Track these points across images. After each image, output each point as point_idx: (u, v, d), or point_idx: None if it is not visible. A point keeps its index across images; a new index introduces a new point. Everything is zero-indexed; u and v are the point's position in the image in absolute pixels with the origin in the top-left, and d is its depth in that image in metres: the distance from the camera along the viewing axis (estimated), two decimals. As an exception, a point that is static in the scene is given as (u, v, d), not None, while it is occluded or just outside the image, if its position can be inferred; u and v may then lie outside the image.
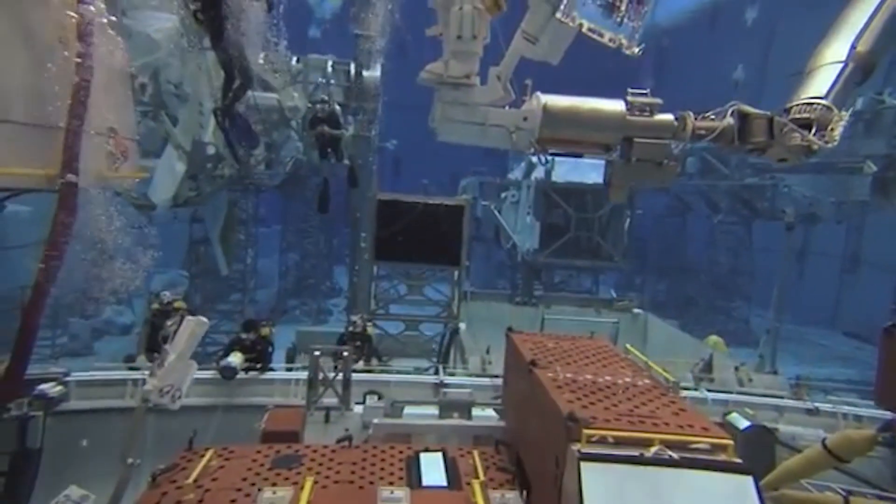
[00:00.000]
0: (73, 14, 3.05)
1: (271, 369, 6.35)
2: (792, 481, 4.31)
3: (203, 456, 3.79)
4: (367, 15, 11.53)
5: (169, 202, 10.49)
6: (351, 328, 7.54)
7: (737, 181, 24.01)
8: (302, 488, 3.31)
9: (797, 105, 3.32)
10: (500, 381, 5.80)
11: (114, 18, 4.06)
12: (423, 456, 3.95)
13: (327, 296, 28.41)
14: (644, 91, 3.01)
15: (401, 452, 4.13)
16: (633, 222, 17.28)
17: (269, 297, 27.19)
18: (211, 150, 10.56)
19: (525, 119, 2.87)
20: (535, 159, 13.08)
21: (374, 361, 7.87)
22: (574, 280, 19.58)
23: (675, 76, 37.34)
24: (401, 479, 3.57)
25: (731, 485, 2.53)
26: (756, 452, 5.59)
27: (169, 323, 3.53)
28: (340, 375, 5.58)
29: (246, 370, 6.02)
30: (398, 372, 9.02)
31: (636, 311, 12.93)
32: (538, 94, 2.88)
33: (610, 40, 2.50)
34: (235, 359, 5.88)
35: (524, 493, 3.42)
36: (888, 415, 4.88)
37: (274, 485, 3.38)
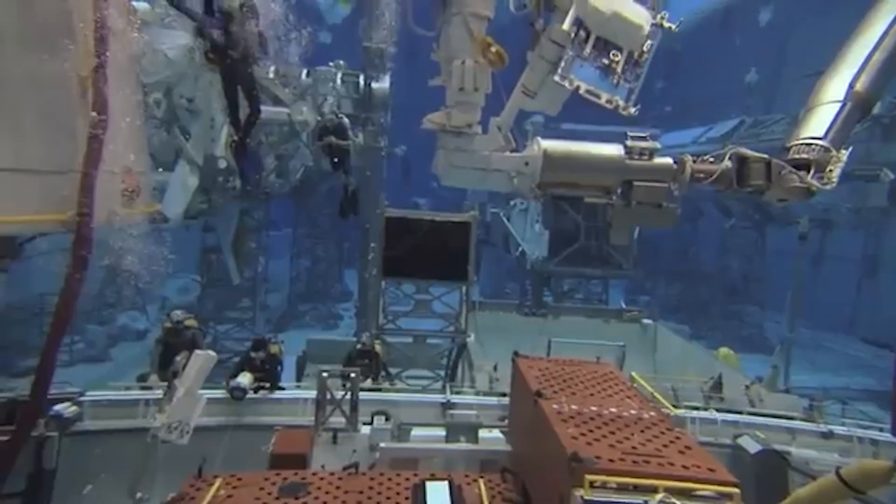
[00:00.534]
0: (93, 61, 3.12)
1: (281, 388, 6.41)
2: (804, 512, 4.24)
3: (212, 485, 3.86)
4: (376, 27, 11.61)
5: (181, 216, 10.66)
6: (359, 346, 7.59)
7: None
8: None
9: (796, 145, 3.32)
10: (506, 401, 5.81)
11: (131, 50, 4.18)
12: (429, 485, 3.97)
13: (338, 300, 28.56)
14: (643, 135, 3.04)
15: (407, 480, 4.16)
16: (643, 230, 17.13)
17: (280, 302, 27.41)
18: (223, 164, 10.70)
19: (526, 164, 2.92)
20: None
21: (383, 375, 7.93)
22: (584, 287, 19.47)
23: (687, 79, 37.03)
24: (407, 508, 3.59)
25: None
26: (767, 478, 5.51)
27: (178, 358, 3.58)
28: (348, 395, 5.64)
29: (256, 390, 6.09)
30: (406, 387, 9.08)
31: (646, 321, 12.83)
32: (538, 139, 2.93)
33: (607, 101, 2.52)
34: (245, 379, 5.96)
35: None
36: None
37: (281, 514, 3.42)
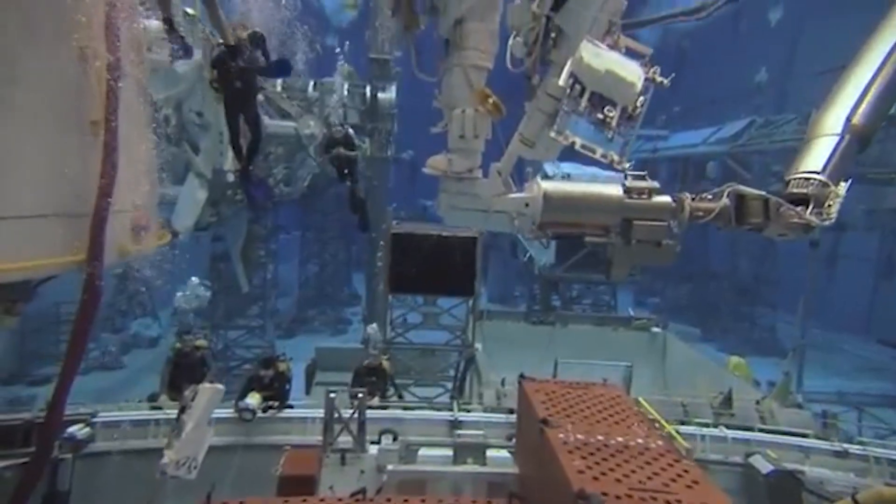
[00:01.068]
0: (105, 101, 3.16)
1: (289, 406, 6.46)
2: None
3: (220, 513, 3.90)
4: (383, 39, 11.66)
5: (191, 229, 10.78)
6: (367, 362, 7.62)
7: (760, 188, 23.35)
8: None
9: (795, 178, 3.33)
10: (514, 417, 5.80)
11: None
12: (435, 513, 3.98)
13: (346, 304, 28.70)
14: (642, 174, 3.05)
15: (414, 507, 4.17)
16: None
17: (289, 307, 27.63)
18: (231, 178, 10.81)
19: (527, 205, 2.97)
20: (550, 171, 13.01)
21: (391, 391, 7.95)
22: (592, 292, 19.39)
23: (697, 78, 36.64)
24: (413, 536, 3.59)
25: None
26: (781, 500, 5.45)
27: (187, 392, 3.62)
28: (356, 414, 5.67)
29: (264, 409, 6.13)
30: (414, 402, 9.09)
31: (655, 329, 12.73)
32: (538, 180, 2.97)
33: (602, 156, 2.54)
34: (253, 400, 6.00)
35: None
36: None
37: (287, 546, 3.44)
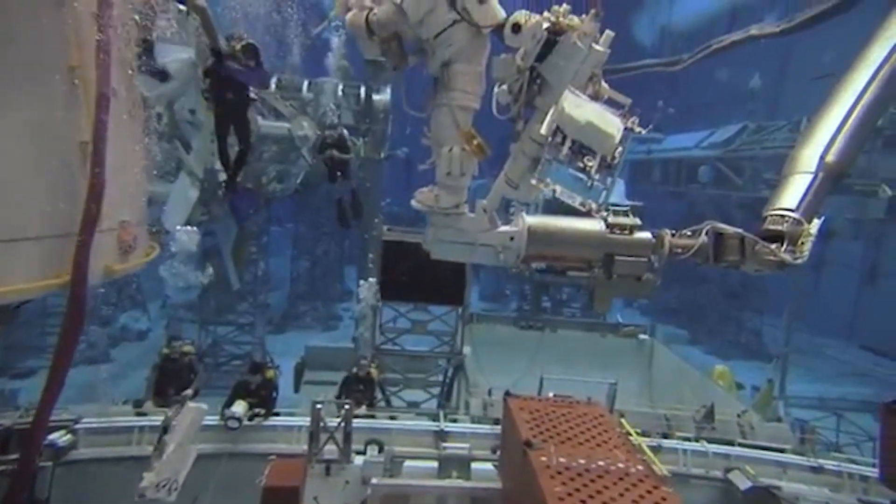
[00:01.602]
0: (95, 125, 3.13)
1: (276, 414, 6.47)
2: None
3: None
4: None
5: (181, 225, 10.68)
6: (355, 370, 7.64)
7: (751, 193, 23.63)
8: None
9: (771, 215, 3.46)
10: (499, 428, 5.87)
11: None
12: (417, 530, 4.03)
13: (338, 300, 28.63)
14: (625, 209, 3.14)
15: (397, 522, 4.21)
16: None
17: (280, 301, 27.54)
18: (223, 177, 10.72)
19: (511, 239, 3.04)
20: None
21: (379, 396, 8.00)
22: (582, 295, 19.53)
23: (691, 81, 36.81)
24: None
25: None
26: (756, 516, 5.58)
27: (170, 413, 3.62)
28: (343, 424, 5.69)
29: (251, 417, 6.14)
30: (401, 407, 9.15)
31: (642, 336, 12.88)
32: (524, 214, 3.05)
33: (580, 204, 2.63)
34: (240, 408, 6.01)
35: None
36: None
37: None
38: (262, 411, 6.30)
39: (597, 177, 2.53)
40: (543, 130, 2.53)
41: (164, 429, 3.62)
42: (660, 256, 3.15)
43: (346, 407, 5.72)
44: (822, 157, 3.48)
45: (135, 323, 22.71)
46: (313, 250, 27.63)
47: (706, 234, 3.22)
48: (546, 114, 2.57)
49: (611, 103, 2.69)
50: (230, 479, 5.67)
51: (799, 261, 3.23)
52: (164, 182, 10.83)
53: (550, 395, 6.59)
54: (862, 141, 3.57)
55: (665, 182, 30.58)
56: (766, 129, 24.28)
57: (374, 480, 5.11)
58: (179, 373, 6.95)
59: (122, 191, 3.63)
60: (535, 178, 2.63)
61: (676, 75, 36.79)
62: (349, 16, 2.89)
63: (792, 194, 3.52)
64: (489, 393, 7.66)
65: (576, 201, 2.59)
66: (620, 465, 3.91)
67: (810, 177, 3.49)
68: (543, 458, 3.87)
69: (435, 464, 5.56)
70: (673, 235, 3.22)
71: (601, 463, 3.91)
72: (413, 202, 3.10)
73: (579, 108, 2.51)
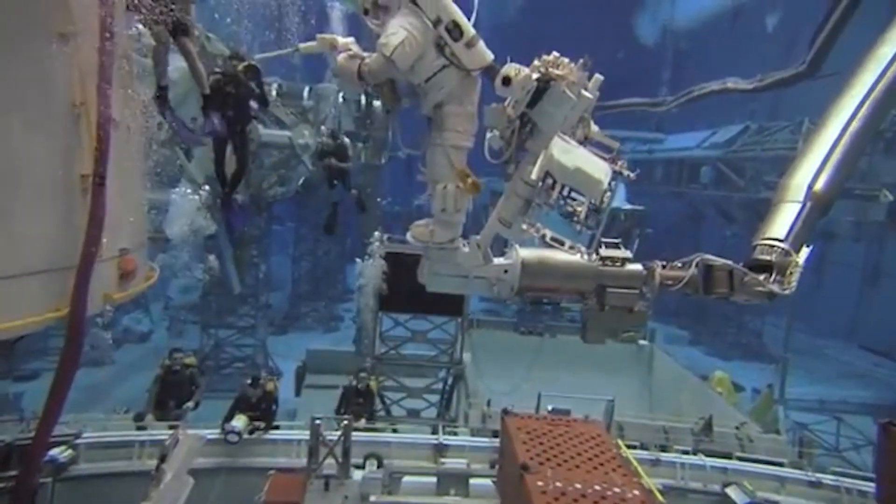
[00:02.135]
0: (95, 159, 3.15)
1: (276, 427, 6.50)
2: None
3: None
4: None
5: (183, 234, 10.71)
6: (354, 382, 7.67)
7: (752, 194, 23.57)
8: None
9: (761, 245, 3.52)
10: (498, 441, 5.90)
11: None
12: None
13: (339, 300, 28.66)
14: (616, 242, 3.18)
15: (395, 542, 4.24)
16: (643, 238, 17.22)
17: (281, 302, 27.60)
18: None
19: (505, 272, 3.09)
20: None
21: (379, 406, 8.03)
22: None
23: (693, 79, 36.68)
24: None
25: None
26: (754, 532, 5.61)
27: (167, 441, 3.65)
28: (342, 439, 5.72)
29: (251, 431, 6.17)
30: (400, 418, 9.17)
31: (642, 342, 12.89)
32: (517, 247, 3.10)
33: (570, 248, 2.67)
34: (239, 423, 6.04)
35: None
36: None
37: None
38: (262, 425, 6.33)
39: (586, 222, 2.57)
40: (534, 176, 2.58)
41: (162, 457, 3.64)
42: (651, 288, 3.20)
43: (345, 422, 5.75)
44: (809, 187, 3.54)
45: (137, 325, 22.79)
46: (314, 250, 27.66)
47: (696, 266, 3.26)
48: (537, 156, 2.62)
49: (599, 146, 2.72)
50: (230, 493, 5.72)
51: (787, 292, 3.28)
52: (165, 189, 10.88)
53: (549, 408, 6.66)
54: (849, 170, 3.64)
55: (667, 182, 30.50)
56: (768, 129, 24.20)
57: (372, 498, 5.16)
58: (181, 385, 6.99)
59: (122, 219, 3.65)
60: (526, 222, 2.69)
61: (680, 73, 36.73)
62: (340, 59, 2.96)
63: (781, 224, 3.58)
64: (488, 404, 7.69)
65: (565, 245, 2.64)
66: (617, 489, 3.93)
67: (798, 206, 3.55)
68: (540, 483, 3.89)
69: (433, 479, 5.59)
70: (663, 267, 3.26)
71: (598, 487, 3.92)
72: (408, 236, 3.15)
73: (568, 153, 2.56)
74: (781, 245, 3.46)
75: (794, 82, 17.77)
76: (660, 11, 36.60)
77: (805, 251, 3.45)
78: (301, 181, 16.14)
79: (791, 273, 3.32)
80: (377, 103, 13.29)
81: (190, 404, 6.92)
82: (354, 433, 5.91)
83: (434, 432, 6.68)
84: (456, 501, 5.19)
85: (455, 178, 2.90)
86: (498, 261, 3.16)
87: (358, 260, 10.01)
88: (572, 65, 2.55)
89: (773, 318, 25.74)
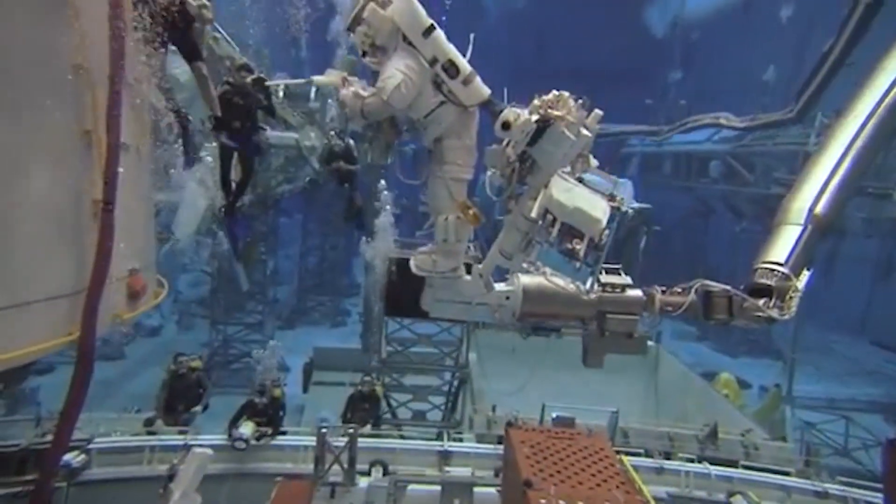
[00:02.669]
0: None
1: (283, 433, 6.59)
2: None
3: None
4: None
5: (192, 235, 10.83)
6: (360, 387, 7.74)
7: (761, 190, 23.27)
8: None
9: (761, 268, 3.53)
10: (502, 449, 5.94)
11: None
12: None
13: (346, 295, 28.83)
14: (616, 267, 3.20)
15: (399, 554, 4.31)
16: (650, 239, 17.10)
17: (288, 296, 27.83)
18: (232, 186, 10.80)
19: (507, 298, 3.13)
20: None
21: (385, 409, 8.11)
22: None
23: (704, 70, 36.17)
24: None
25: None
26: (757, 544, 5.61)
27: (175, 461, 3.72)
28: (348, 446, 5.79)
29: (258, 437, 6.26)
30: (405, 419, 9.25)
31: (648, 343, 12.86)
32: (518, 275, 3.12)
33: (570, 284, 2.69)
34: (247, 430, 6.12)
35: None
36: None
37: None
38: (270, 430, 6.41)
39: (585, 260, 2.59)
40: (534, 213, 2.62)
41: (170, 476, 3.72)
42: (651, 314, 3.22)
43: (351, 431, 5.82)
44: (811, 210, 3.54)
45: (147, 319, 23.06)
46: (322, 245, 27.81)
47: (695, 291, 3.27)
48: (537, 191, 2.65)
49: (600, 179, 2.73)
50: (237, 500, 5.82)
51: (786, 317, 3.29)
52: (174, 190, 10.96)
53: (553, 415, 6.69)
54: (850, 192, 3.62)
55: (676, 176, 30.22)
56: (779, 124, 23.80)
57: (377, 507, 5.23)
58: (188, 388, 7.09)
59: (132, 240, 3.69)
60: (526, 260, 2.72)
61: (690, 66, 36.21)
62: (345, 95, 3.00)
63: (781, 247, 3.59)
64: (493, 409, 7.73)
65: (567, 283, 2.66)
66: (619, 507, 3.96)
67: (800, 229, 3.55)
68: (543, 501, 3.93)
69: (438, 488, 5.66)
70: (663, 293, 3.27)
71: (600, 505, 3.96)
72: (412, 265, 3.20)
73: (568, 192, 2.60)
74: (781, 269, 3.45)
75: (782, 125, 19.21)
76: (670, 4, 36.03)
77: (805, 275, 3.45)
78: (307, 179, 16.22)
79: (791, 298, 3.32)
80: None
81: (198, 408, 7.04)
82: (360, 439, 5.98)
83: (439, 438, 6.74)
84: (460, 511, 5.24)
85: (456, 209, 2.93)
86: (500, 287, 3.20)
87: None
88: (571, 102, 2.57)
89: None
